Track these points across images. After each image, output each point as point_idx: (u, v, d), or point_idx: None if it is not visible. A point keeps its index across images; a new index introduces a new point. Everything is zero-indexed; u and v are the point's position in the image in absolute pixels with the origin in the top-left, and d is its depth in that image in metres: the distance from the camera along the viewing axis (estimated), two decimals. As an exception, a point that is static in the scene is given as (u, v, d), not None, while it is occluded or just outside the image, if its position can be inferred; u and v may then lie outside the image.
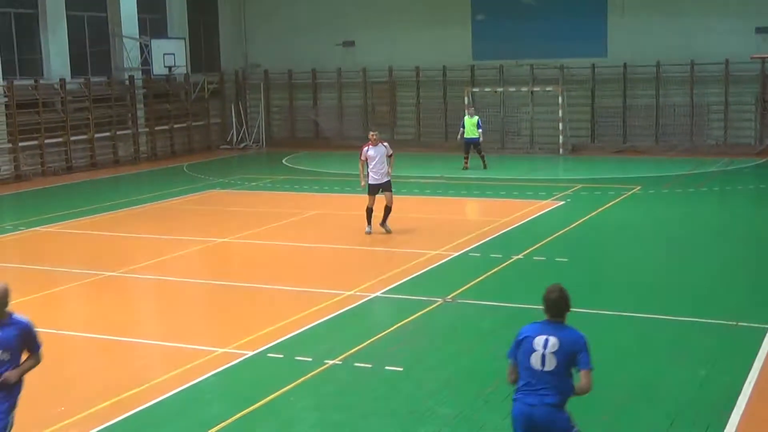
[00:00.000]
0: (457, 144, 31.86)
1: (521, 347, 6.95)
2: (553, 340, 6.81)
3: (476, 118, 27.41)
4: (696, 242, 17.17)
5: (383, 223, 18.04)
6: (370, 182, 18.01)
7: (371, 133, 18.46)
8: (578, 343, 6.85)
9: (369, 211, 17.95)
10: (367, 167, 18.00)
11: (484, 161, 27.32)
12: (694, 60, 30.21)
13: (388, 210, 18.01)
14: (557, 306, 6.95)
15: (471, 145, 27.34)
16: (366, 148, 17.99)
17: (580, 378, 6.79)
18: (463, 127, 27.51)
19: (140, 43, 32.68)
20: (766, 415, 8.92)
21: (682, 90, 30.85)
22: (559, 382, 6.78)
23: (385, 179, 17.91)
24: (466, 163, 27.40)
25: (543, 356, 6.80)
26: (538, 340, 6.85)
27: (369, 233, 17.99)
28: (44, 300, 14.17)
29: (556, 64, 31.86)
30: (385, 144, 18.23)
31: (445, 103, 34.03)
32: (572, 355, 6.79)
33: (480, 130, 27.15)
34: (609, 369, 10.29)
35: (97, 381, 10.43)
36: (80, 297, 14.58)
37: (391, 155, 18.11)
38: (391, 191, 18.02)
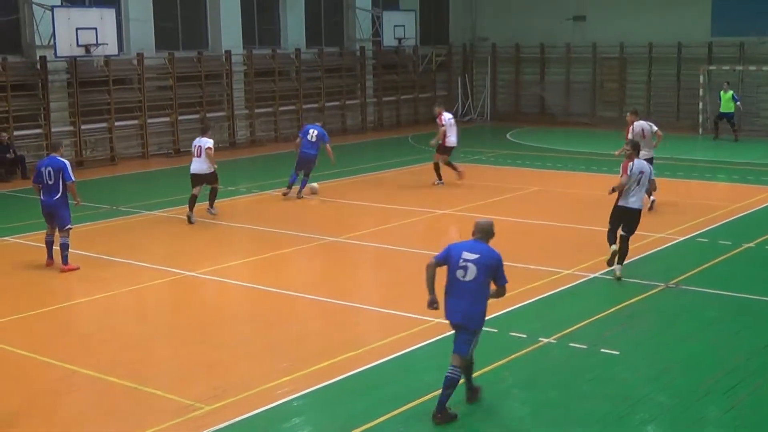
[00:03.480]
0: (690, 124, 30.81)
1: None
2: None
3: (731, 92, 28.79)
4: None
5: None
6: None
7: None
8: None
9: None
10: None
11: (736, 134, 28.80)
12: None
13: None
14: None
15: (724, 118, 28.97)
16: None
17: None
18: (720, 100, 29.02)
19: (372, 15, 33.37)
20: None
21: None
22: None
23: None
24: (716, 132, 29.28)
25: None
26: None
27: None
28: (272, 260, 14.85)
29: (804, 41, 29.89)
30: None
31: (679, 82, 32.67)
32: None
33: (738, 103, 28.83)
34: None
35: (317, 342, 10.83)
36: (305, 259, 15.16)
37: None
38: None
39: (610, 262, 13.21)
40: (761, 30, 30.59)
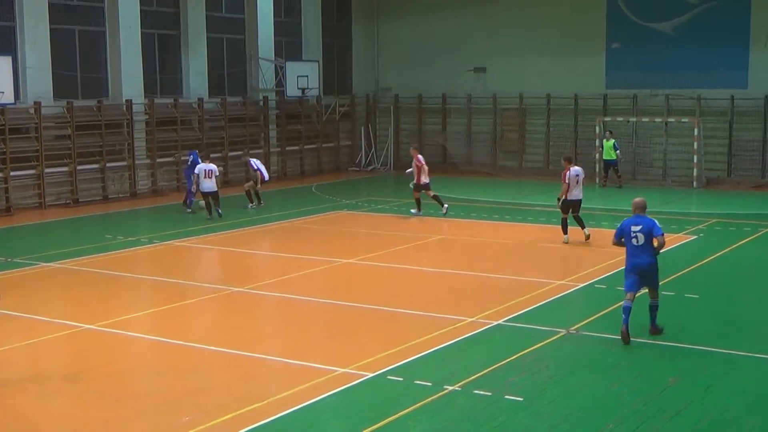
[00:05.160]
0: (587, 174, 31.50)
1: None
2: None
3: (613, 140, 30.21)
4: (837, 284, 16.39)
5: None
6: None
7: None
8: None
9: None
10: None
11: (620, 181, 30.27)
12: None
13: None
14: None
15: (610, 166, 30.30)
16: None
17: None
18: (602, 148, 30.57)
19: (275, 65, 33.48)
20: None
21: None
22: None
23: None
24: (605, 181, 30.49)
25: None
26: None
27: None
28: (174, 311, 14.61)
29: (693, 94, 31.07)
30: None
31: (576, 132, 33.58)
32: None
33: (617, 152, 30.09)
34: (738, 415, 9.91)
35: (220, 394, 10.66)
36: (208, 310, 14.95)
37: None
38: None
39: (565, 239, 19.71)
40: (652, 83, 31.75)
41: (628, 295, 12.52)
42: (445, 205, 23.74)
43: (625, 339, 12.21)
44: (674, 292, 15.24)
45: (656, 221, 12.59)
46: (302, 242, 20.87)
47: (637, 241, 12.47)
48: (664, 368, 11.48)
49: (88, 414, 10.06)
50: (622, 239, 12.71)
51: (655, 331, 12.66)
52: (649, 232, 12.47)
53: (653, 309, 12.72)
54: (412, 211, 24.07)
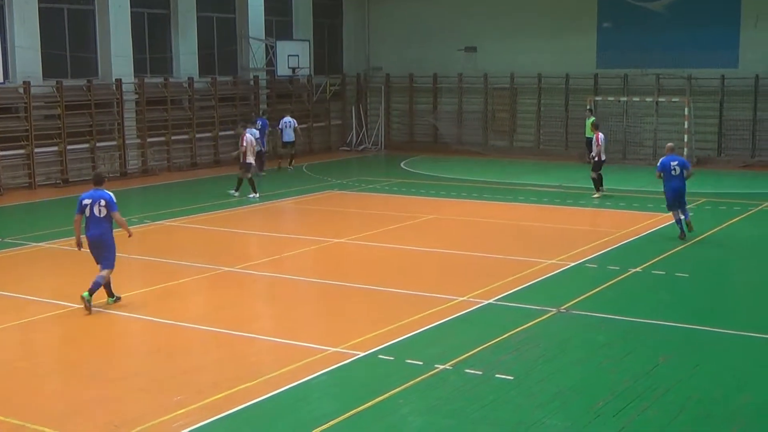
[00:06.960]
0: (579, 153, 31.57)
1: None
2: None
3: (592, 119, 28.83)
4: (826, 263, 16.47)
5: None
6: None
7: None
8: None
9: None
10: None
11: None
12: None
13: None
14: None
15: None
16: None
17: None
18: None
19: (266, 45, 33.34)
20: None
21: (816, 104, 29.64)
22: None
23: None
24: (588, 158, 29.80)
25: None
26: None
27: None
28: (165, 291, 14.61)
29: (684, 74, 31.06)
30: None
31: (567, 111, 33.57)
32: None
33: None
34: (727, 392, 9.98)
35: (212, 373, 10.68)
36: (199, 290, 14.96)
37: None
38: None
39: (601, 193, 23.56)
40: (643, 63, 31.72)
41: (673, 212, 17.96)
42: (237, 193, 23.95)
43: (683, 238, 17.54)
44: (664, 271, 15.31)
45: (684, 158, 19.41)
46: (293, 222, 20.87)
47: (675, 172, 17.62)
48: (653, 347, 11.54)
49: (79, 394, 10.07)
50: (662, 173, 17.69)
51: (690, 224, 17.79)
52: (683, 165, 17.82)
53: (686, 213, 17.85)
54: (251, 195, 23.57)
